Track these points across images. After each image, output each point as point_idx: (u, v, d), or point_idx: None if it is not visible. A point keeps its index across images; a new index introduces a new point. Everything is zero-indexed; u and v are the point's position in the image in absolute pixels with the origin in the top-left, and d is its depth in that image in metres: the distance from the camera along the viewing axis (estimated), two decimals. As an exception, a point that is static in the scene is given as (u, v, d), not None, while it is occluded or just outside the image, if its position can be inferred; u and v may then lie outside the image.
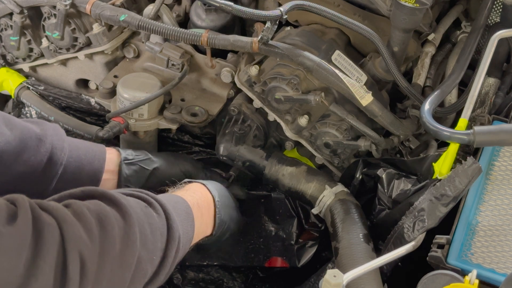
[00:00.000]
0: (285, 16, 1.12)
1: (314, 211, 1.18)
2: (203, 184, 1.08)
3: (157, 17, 1.29)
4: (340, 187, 1.18)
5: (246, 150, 1.25)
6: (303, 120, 1.20)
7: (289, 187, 1.22)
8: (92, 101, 1.37)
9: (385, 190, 1.15)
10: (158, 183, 1.13)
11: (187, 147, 1.38)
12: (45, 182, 1.01)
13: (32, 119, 1.27)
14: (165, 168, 1.17)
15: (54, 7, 1.27)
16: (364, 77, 1.19)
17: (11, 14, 1.33)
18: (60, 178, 1.02)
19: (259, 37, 1.15)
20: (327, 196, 1.16)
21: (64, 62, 1.39)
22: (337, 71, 1.14)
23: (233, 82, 1.27)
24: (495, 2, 1.29)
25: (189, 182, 1.09)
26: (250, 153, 1.25)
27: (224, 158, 1.26)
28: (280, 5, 1.27)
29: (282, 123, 1.23)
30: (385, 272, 1.04)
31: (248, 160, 1.25)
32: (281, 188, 1.24)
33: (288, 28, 1.30)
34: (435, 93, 1.13)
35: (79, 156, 1.05)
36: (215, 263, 1.29)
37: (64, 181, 1.02)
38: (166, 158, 1.20)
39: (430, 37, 1.31)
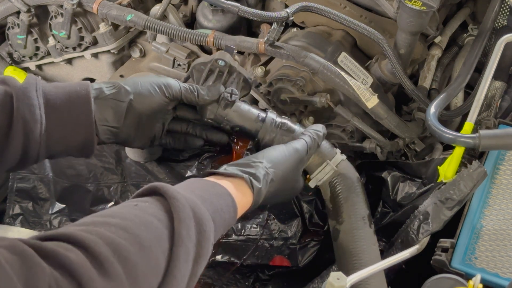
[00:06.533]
0: (291, 18, 1.12)
1: (311, 184, 1.08)
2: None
3: (163, 17, 1.30)
4: (339, 157, 1.07)
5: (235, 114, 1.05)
6: (308, 122, 1.20)
7: None
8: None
9: (390, 193, 1.14)
10: (138, 117, 0.95)
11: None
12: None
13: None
14: (141, 92, 0.94)
15: (61, 6, 1.28)
16: (370, 79, 1.19)
17: (18, 12, 1.34)
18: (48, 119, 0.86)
19: (265, 38, 1.15)
20: (327, 168, 1.06)
21: (70, 61, 1.40)
22: (342, 73, 1.14)
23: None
24: (503, 5, 1.28)
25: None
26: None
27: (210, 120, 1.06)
28: (286, 6, 1.26)
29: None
30: (389, 275, 1.03)
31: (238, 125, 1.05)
32: None
33: (294, 29, 1.30)
34: (441, 96, 1.13)
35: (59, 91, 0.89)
36: (217, 262, 1.29)
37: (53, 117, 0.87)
38: (136, 80, 0.97)
39: (436, 40, 1.31)
